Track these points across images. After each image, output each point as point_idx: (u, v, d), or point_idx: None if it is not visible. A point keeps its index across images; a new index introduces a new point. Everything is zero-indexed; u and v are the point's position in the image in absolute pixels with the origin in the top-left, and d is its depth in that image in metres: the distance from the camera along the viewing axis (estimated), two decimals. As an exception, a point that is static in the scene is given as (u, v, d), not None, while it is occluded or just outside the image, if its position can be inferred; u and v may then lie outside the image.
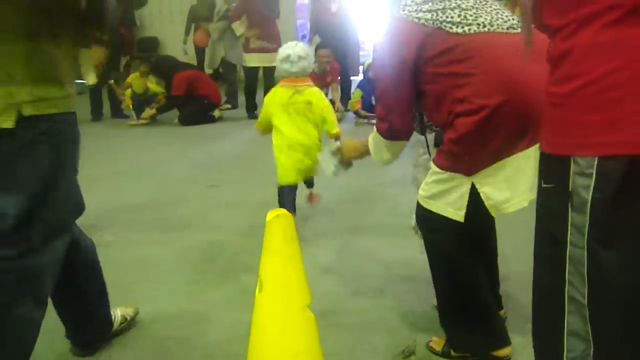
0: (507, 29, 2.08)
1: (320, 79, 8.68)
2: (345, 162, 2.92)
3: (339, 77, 9.27)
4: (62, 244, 2.04)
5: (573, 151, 1.34)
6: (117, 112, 9.15)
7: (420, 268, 2.89)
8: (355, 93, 8.68)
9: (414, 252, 2.83)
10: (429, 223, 2.27)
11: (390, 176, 5.04)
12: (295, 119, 3.67)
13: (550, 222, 1.43)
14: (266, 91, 9.03)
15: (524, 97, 1.95)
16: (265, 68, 9.03)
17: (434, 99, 2.15)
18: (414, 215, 2.40)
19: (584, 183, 1.32)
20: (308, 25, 15.35)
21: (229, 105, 9.62)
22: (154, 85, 8.76)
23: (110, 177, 5.45)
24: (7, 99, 1.79)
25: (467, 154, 2.08)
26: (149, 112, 8.63)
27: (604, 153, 1.29)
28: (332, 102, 8.59)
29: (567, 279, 1.39)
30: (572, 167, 1.34)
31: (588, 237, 1.34)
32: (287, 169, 3.62)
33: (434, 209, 2.21)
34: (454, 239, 2.22)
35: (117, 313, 2.61)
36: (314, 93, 3.82)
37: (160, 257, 3.53)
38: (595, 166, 1.31)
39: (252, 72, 9.05)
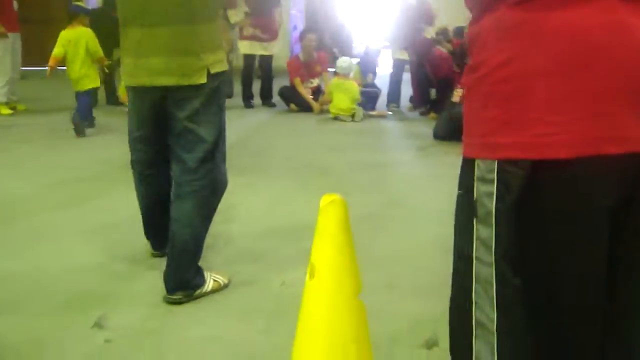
0: None
1: (308, 68, 8.69)
2: None
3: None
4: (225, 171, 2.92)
5: (476, 153, 1.18)
6: (112, 99, 9.03)
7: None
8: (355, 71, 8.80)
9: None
10: None
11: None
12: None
13: (458, 234, 1.27)
14: (263, 81, 9.14)
15: None
16: (261, 57, 9.00)
17: None
18: None
19: (486, 190, 1.15)
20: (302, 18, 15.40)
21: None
22: None
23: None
24: (201, 62, 2.68)
25: None
26: None
27: (503, 156, 1.11)
28: (323, 91, 8.63)
29: (473, 299, 1.21)
30: (476, 172, 1.18)
31: (495, 254, 1.16)
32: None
33: None
34: None
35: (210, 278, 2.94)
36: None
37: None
38: (495, 171, 1.13)
39: (247, 60, 9.02)
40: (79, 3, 7.78)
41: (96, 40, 7.01)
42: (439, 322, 2.62)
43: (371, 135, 7.24)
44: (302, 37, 8.99)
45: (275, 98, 9.14)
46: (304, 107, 8.58)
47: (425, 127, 7.46)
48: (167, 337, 2.54)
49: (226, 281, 2.99)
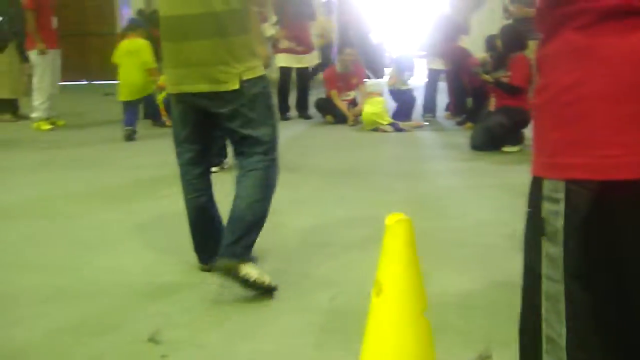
0: None
1: (344, 80, 8.70)
2: None
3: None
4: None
5: (543, 172, 1.21)
6: (155, 114, 8.86)
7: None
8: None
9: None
10: None
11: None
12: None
13: (527, 251, 1.29)
14: (299, 92, 9.19)
15: None
16: (297, 69, 9.04)
17: None
18: None
19: (553, 209, 1.19)
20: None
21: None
22: None
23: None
24: (233, 70, 2.97)
25: None
26: None
27: (570, 176, 1.15)
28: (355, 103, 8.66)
29: (543, 316, 1.24)
30: (543, 191, 1.21)
31: (564, 271, 1.19)
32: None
33: None
34: None
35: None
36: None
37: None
38: (562, 191, 1.17)
39: (283, 72, 9.06)
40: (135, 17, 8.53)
41: (151, 53, 7.63)
42: (490, 335, 2.64)
43: (409, 146, 7.23)
44: (340, 50, 9.00)
45: (312, 110, 9.16)
46: (340, 119, 8.59)
47: (463, 137, 7.43)
48: (220, 351, 2.57)
49: (273, 285, 3.05)
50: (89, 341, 2.66)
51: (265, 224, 3.10)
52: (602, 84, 1.11)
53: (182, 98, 3.14)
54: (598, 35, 1.12)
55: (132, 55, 7.62)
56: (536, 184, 1.23)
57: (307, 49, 8.97)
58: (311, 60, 9.17)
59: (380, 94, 8.37)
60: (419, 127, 8.40)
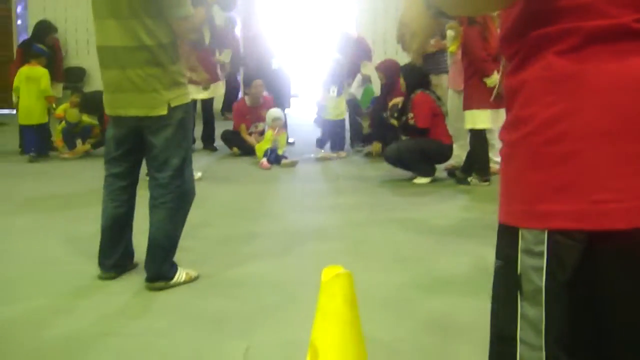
0: None
1: (253, 112, 8.53)
2: None
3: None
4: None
5: (520, 221, 1.03)
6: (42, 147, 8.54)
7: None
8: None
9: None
10: None
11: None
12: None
13: (497, 310, 1.10)
14: (204, 124, 8.91)
15: None
16: (202, 101, 8.77)
17: None
18: None
19: (534, 264, 1.00)
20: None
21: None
22: (87, 117, 8.34)
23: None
24: (162, 97, 3.33)
25: None
26: (83, 147, 8.25)
27: (554, 226, 0.98)
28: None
29: None
30: (520, 243, 1.03)
31: (546, 337, 1.00)
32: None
33: None
34: None
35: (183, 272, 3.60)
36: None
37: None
38: (545, 243, 0.99)
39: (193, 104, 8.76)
40: (41, 45, 8.68)
41: (49, 81, 8.12)
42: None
43: (314, 179, 7.10)
44: (248, 83, 8.77)
45: (218, 141, 8.90)
46: (247, 151, 8.37)
47: (372, 169, 7.37)
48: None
49: (196, 274, 3.67)
50: None
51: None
52: (593, 118, 0.95)
53: (118, 120, 3.51)
54: (587, 60, 0.96)
55: (31, 82, 7.94)
56: (509, 234, 1.05)
57: (211, 79, 8.68)
58: (216, 90, 8.92)
59: (281, 127, 8.16)
60: (328, 159, 8.23)
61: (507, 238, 1.06)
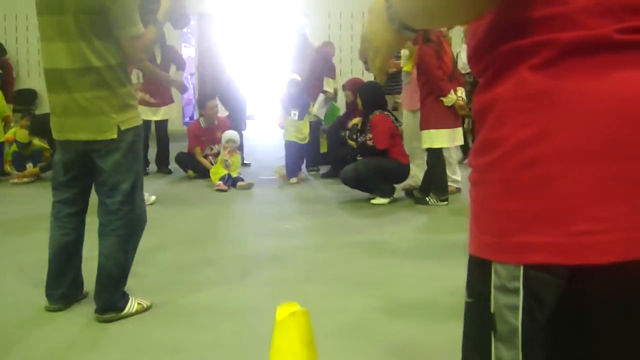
0: None
1: (209, 134, 8.40)
2: None
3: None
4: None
5: (492, 254, 0.93)
6: None
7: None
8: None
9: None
10: None
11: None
12: None
13: (469, 351, 1.01)
14: (158, 146, 8.74)
15: None
16: (156, 122, 8.62)
17: None
18: None
19: (508, 303, 0.90)
20: (193, 80, 15.17)
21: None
22: (37, 140, 8.12)
23: None
24: (112, 121, 3.23)
25: None
26: (31, 170, 8.02)
27: (531, 261, 0.87)
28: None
29: None
30: (493, 278, 0.93)
31: None
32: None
33: None
34: None
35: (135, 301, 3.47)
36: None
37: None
38: (520, 279, 0.89)
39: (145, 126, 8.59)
40: None
41: (4, 101, 8.23)
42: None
43: (274, 203, 6.98)
44: (202, 104, 8.61)
45: (172, 164, 8.74)
46: (202, 174, 8.21)
47: (329, 190, 7.29)
48: None
49: (149, 304, 3.53)
50: None
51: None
52: (571, 138, 0.85)
53: (65, 144, 3.37)
54: (563, 75, 0.86)
55: None
56: (480, 268, 0.95)
57: (163, 101, 8.53)
58: (169, 112, 8.75)
59: (234, 149, 8.02)
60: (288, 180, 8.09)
61: (478, 272, 0.96)
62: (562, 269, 0.85)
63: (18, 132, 8.07)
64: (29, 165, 8.10)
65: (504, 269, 0.90)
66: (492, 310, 0.93)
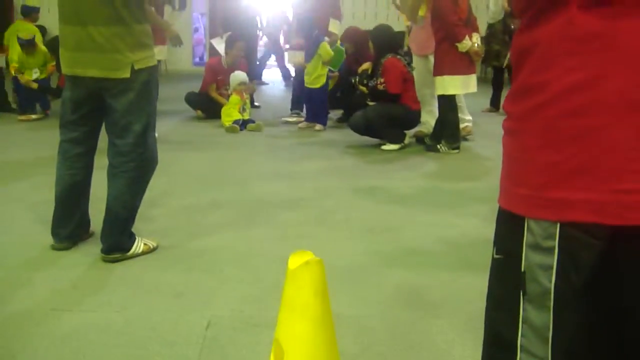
0: None
1: (228, 74, 8.15)
2: None
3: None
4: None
5: (527, 209, 0.86)
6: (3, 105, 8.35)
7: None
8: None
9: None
10: None
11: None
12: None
13: (493, 309, 0.95)
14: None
15: None
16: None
17: None
18: None
19: (541, 262, 0.84)
20: (204, 20, 14.97)
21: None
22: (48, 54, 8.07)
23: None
24: (126, 59, 3.12)
25: None
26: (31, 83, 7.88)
27: (569, 219, 0.81)
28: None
29: None
30: (526, 235, 0.86)
31: (553, 348, 0.84)
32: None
33: None
34: None
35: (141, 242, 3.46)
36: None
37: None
38: (556, 238, 0.82)
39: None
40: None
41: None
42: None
43: (283, 147, 6.91)
44: (231, 44, 8.33)
45: (182, 104, 8.61)
46: (211, 114, 8.08)
47: (339, 134, 7.22)
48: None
49: (155, 245, 3.52)
50: None
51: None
52: (624, 87, 0.77)
53: (75, 81, 3.27)
54: (619, 16, 0.78)
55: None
56: (512, 223, 0.88)
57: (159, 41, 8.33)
58: (158, 54, 8.56)
59: (246, 91, 7.92)
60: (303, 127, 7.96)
61: (509, 228, 0.89)
62: (601, 229, 0.79)
63: (21, 27, 7.97)
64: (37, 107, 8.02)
65: (539, 226, 0.84)
66: (522, 269, 0.87)
